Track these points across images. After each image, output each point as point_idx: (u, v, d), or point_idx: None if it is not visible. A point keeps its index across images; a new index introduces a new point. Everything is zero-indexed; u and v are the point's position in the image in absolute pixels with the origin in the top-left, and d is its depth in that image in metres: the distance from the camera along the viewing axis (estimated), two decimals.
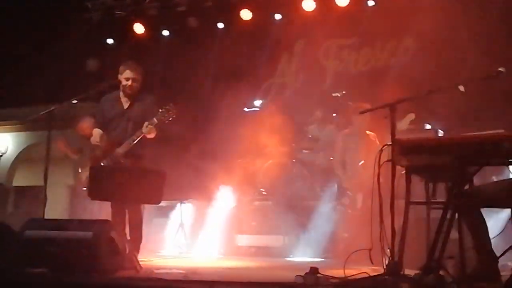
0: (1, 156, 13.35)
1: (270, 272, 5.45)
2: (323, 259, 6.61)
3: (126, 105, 5.82)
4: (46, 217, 5.23)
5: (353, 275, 3.76)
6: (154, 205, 6.82)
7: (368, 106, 6.20)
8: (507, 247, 3.50)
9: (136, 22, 9.98)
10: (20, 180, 13.88)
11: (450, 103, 6.17)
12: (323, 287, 3.58)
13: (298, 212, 7.44)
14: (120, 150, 5.57)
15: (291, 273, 3.86)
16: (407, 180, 3.71)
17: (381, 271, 3.67)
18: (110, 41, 10.31)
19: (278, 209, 7.60)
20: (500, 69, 3.85)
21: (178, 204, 8.26)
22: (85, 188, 6.37)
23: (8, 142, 13.60)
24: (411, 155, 3.55)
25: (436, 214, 3.64)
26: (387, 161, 3.79)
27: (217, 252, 7.48)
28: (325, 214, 7.00)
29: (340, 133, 7.36)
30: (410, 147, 3.54)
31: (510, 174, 5.20)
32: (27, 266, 4.10)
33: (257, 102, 9.16)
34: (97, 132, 5.81)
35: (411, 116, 6.81)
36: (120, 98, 5.86)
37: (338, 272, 3.88)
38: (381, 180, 3.92)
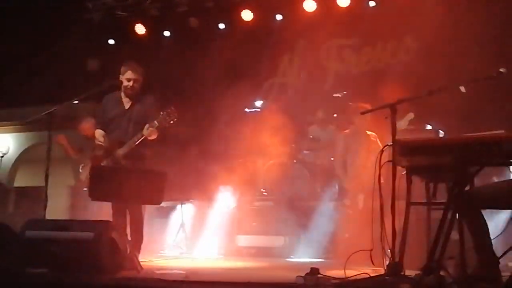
0: (2, 156, 13.34)
1: (271, 273, 5.45)
2: (323, 260, 6.61)
3: (127, 106, 5.82)
4: (46, 217, 5.23)
5: (354, 275, 3.77)
6: (155, 205, 6.82)
7: (369, 107, 6.21)
8: (507, 248, 3.50)
9: (137, 23, 9.99)
10: (21, 180, 13.88)
11: (451, 103, 6.16)
12: (323, 287, 3.58)
13: (299, 212, 7.44)
14: (121, 151, 5.57)
15: (292, 273, 3.87)
16: (407, 181, 3.71)
17: (382, 271, 3.67)
18: (111, 41, 10.33)
19: (279, 209, 7.60)
20: (501, 69, 3.84)
21: (179, 205, 8.26)
22: (85, 189, 6.39)
23: (9, 142, 13.60)
24: (411, 156, 3.55)
25: (437, 214, 3.64)
26: (388, 161, 3.79)
27: (218, 252, 7.48)
28: (326, 215, 7.00)
29: (341, 134, 7.36)
30: (411, 148, 3.55)
31: (511, 174, 5.20)
32: (27, 267, 4.11)
33: (258, 103, 9.17)
34: (99, 132, 5.82)
35: (410, 115, 6.81)
36: (121, 98, 5.86)
37: (339, 273, 3.89)
38: (381, 180, 3.92)
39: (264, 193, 8.10)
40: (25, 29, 11.64)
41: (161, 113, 5.55)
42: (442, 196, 3.84)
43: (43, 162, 5.49)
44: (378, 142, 6.79)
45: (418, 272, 3.37)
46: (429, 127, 7.04)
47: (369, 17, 8.69)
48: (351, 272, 3.84)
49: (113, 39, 10.30)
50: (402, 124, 6.66)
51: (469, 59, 6.94)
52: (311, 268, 3.79)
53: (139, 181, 4.89)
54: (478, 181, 3.73)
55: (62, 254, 4.15)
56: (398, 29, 8.30)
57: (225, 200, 7.94)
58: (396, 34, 8.62)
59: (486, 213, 3.55)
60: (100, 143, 5.75)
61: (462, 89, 4.14)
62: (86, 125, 7.71)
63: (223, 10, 9.62)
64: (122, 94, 5.85)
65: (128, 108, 5.81)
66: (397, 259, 3.59)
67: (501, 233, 3.69)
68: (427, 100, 4.18)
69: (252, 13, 9.38)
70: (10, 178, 13.65)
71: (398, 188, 3.72)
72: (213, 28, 9.79)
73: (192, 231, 8.03)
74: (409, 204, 3.73)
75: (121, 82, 5.81)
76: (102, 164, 5.64)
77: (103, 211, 6.11)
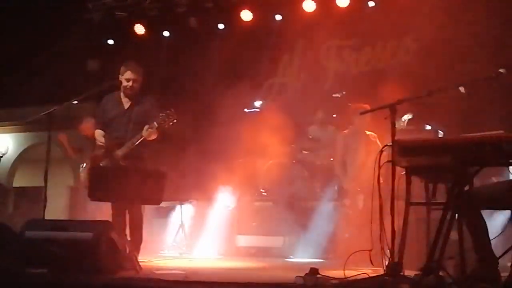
0: (2, 156, 13.34)
1: (270, 273, 5.45)
2: (323, 260, 6.62)
3: (126, 106, 5.82)
4: (46, 217, 5.23)
5: (353, 276, 3.77)
6: (154, 205, 6.82)
7: (369, 107, 6.21)
8: (507, 248, 3.50)
9: (137, 23, 9.98)
10: (20, 180, 13.87)
11: (450, 104, 6.17)
12: (323, 287, 3.58)
13: (298, 212, 7.45)
14: (120, 152, 5.57)
15: (291, 273, 3.87)
16: (407, 181, 3.71)
17: (381, 272, 3.67)
18: (110, 41, 10.33)
19: (278, 209, 7.61)
20: (501, 70, 3.85)
21: (178, 205, 8.26)
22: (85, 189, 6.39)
23: (8, 142, 13.59)
24: (411, 156, 3.55)
25: (436, 215, 3.64)
26: (387, 161, 3.79)
27: (217, 252, 7.48)
28: (325, 215, 7.00)
29: (340, 134, 7.36)
30: (410, 148, 3.55)
31: (510, 175, 5.19)
32: (27, 267, 4.11)
33: (258, 103, 9.17)
34: (99, 132, 5.82)
35: (407, 115, 6.81)
36: (121, 98, 5.86)
37: (338, 273, 3.88)
38: (381, 180, 3.92)
39: (263, 193, 8.10)
40: (25, 29, 11.64)
41: (161, 114, 5.55)
42: (441, 196, 3.84)
43: (43, 162, 5.49)
44: (378, 142, 6.78)
45: (417, 272, 3.37)
46: (428, 127, 7.04)
47: (368, 17, 8.68)
48: (351, 272, 3.84)
49: (113, 39, 10.30)
50: (400, 124, 6.66)
51: (469, 59, 6.95)
52: (311, 268, 3.79)
53: (138, 181, 4.89)
54: (477, 181, 3.73)
55: (62, 254, 4.15)
56: (398, 29, 8.30)
57: (225, 200, 7.94)
58: (395, 34, 8.62)
59: (485, 213, 3.55)
60: (101, 144, 5.75)
61: (462, 89, 4.14)
62: (86, 125, 7.69)
63: (223, 10, 9.62)
64: (122, 94, 5.85)
65: (128, 108, 5.80)
66: (396, 259, 3.59)
67: (501, 233, 3.70)
68: (427, 100, 4.18)
69: (251, 13, 9.37)
70: (9, 178, 13.64)
71: (398, 188, 3.72)
72: (212, 28, 9.79)
73: (191, 231, 8.03)
74: (408, 204, 3.73)
75: (121, 82, 5.81)
76: (101, 165, 5.64)
77: (102, 211, 6.11)
